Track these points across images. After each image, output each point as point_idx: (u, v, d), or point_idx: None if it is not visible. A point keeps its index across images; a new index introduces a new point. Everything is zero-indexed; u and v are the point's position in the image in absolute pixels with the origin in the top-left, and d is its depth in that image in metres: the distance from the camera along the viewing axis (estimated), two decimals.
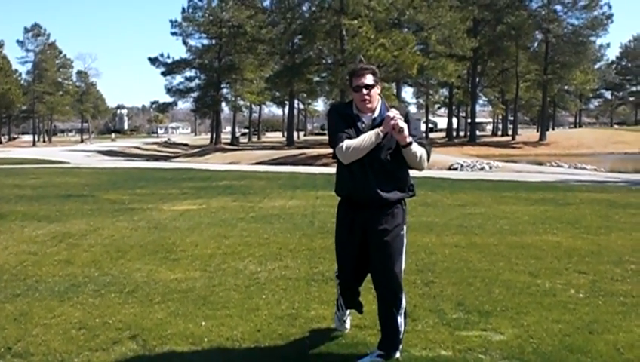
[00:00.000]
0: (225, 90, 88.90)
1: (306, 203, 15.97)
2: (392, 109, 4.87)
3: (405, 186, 5.06)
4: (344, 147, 4.84)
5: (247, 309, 6.49)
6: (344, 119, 4.99)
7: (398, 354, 5.08)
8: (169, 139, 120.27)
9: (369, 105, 4.97)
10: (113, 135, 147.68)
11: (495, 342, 5.48)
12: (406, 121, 4.81)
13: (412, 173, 5.08)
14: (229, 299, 6.91)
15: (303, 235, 10.91)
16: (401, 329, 5.10)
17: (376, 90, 4.99)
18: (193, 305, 6.64)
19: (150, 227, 11.98)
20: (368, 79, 4.95)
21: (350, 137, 4.86)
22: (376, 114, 4.98)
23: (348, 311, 5.67)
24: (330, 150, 5.05)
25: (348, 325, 5.76)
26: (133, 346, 5.45)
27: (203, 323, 6.03)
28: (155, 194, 18.74)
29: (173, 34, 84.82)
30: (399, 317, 5.07)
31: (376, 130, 4.82)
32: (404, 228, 5.12)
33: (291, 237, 10.78)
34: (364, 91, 4.93)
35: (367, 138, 4.82)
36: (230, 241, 10.38)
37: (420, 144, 4.92)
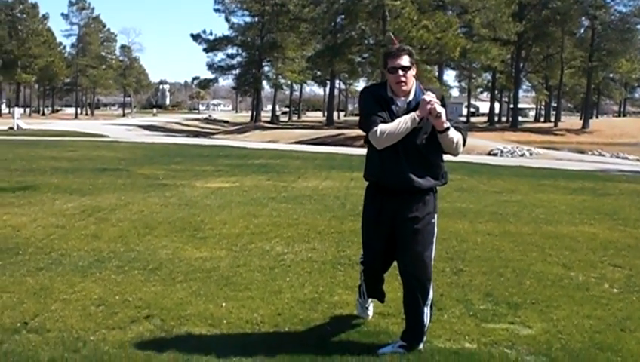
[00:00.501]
0: (266, 69, 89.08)
1: (339, 184, 15.82)
2: (428, 92, 4.67)
3: (439, 173, 4.87)
4: (378, 132, 4.63)
5: (270, 292, 6.38)
6: (378, 102, 4.78)
7: (421, 346, 4.91)
8: (210, 116, 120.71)
9: (404, 88, 4.75)
10: (155, 110, 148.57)
11: (522, 337, 5.29)
12: (442, 105, 4.61)
13: (449, 157, 4.89)
14: (252, 280, 6.80)
15: (333, 217, 10.76)
16: (427, 320, 4.93)
17: (412, 72, 4.76)
18: (215, 286, 6.54)
19: (181, 204, 11.93)
20: (404, 60, 4.72)
21: (384, 121, 4.66)
22: (411, 97, 4.77)
23: (370, 299, 5.51)
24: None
25: (370, 312, 5.60)
26: (151, 326, 5.36)
27: (224, 304, 5.92)
28: (190, 170, 18.74)
29: (217, 10, 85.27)
30: (425, 308, 4.88)
31: (412, 114, 4.62)
32: (435, 216, 4.94)
33: (321, 218, 10.64)
34: (400, 73, 4.70)
35: (403, 122, 4.62)
36: (259, 221, 10.27)
37: (457, 128, 4.73)
